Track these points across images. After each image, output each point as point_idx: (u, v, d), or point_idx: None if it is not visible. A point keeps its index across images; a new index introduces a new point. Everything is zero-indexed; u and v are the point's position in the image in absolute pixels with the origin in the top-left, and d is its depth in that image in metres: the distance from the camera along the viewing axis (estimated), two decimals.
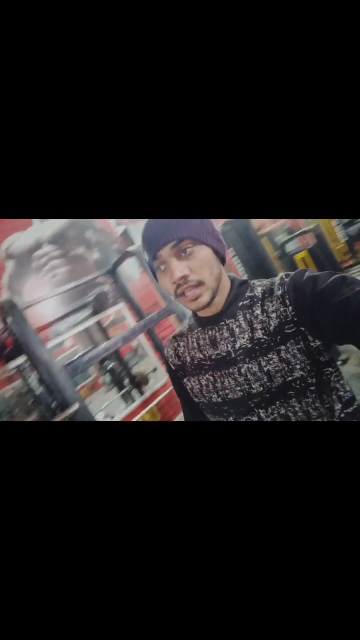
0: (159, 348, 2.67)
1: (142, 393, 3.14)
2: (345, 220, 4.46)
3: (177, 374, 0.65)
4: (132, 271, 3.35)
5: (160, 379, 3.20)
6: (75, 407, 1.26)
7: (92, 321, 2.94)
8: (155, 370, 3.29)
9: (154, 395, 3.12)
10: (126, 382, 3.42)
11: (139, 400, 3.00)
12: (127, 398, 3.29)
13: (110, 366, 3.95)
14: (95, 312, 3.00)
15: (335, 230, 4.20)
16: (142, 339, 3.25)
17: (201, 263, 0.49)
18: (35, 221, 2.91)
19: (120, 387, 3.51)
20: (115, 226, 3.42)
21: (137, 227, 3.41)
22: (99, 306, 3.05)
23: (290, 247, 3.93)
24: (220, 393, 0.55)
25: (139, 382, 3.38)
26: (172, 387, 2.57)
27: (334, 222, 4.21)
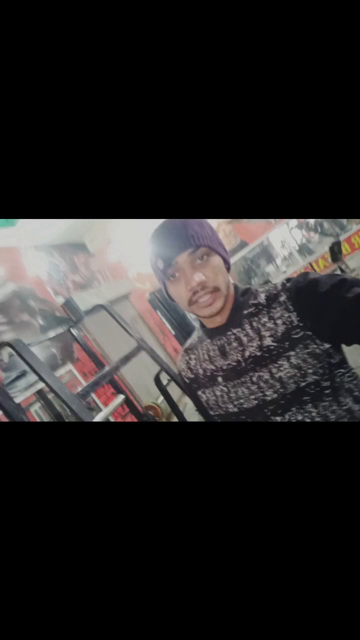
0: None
1: None
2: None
3: (192, 387, 0.65)
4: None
5: None
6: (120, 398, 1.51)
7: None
8: None
9: None
10: None
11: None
12: None
13: None
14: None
15: None
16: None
17: (216, 270, 0.50)
18: None
19: None
20: (54, 295, 3.72)
21: (80, 296, 3.80)
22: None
23: None
24: (235, 403, 0.55)
25: None
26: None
27: None
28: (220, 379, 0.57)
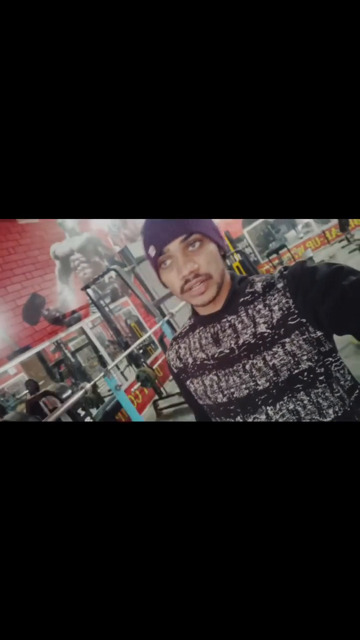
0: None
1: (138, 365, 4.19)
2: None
3: (180, 377, 0.64)
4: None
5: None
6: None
7: (112, 305, 4.16)
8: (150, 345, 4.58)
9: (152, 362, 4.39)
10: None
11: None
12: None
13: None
14: (112, 300, 4.24)
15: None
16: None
17: (208, 258, 0.49)
18: (67, 235, 4.06)
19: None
20: (113, 244, 4.81)
21: (133, 245, 4.88)
22: (114, 296, 4.30)
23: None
24: (226, 392, 0.54)
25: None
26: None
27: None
28: (210, 368, 0.56)
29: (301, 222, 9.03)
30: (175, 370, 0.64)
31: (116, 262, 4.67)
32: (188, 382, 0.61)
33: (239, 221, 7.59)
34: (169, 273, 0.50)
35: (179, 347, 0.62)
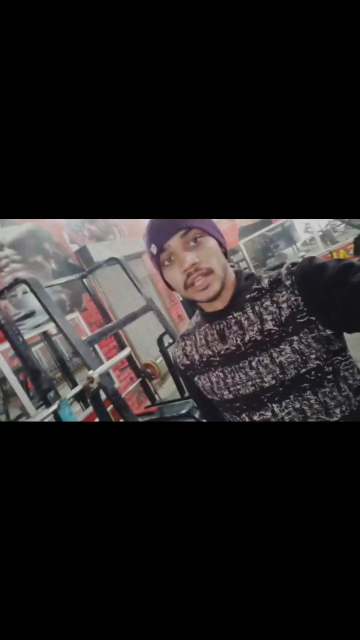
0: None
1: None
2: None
3: (187, 374, 0.65)
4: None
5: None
6: (127, 351, 1.58)
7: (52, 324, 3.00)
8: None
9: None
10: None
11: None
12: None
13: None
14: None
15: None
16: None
17: (209, 252, 0.49)
18: None
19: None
20: (69, 242, 3.69)
21: (94, 247, 3.77)
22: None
23: None
24: (232, 389, 0.54)
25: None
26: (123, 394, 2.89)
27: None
28: (216, 364, 0.56)
29: (300, 239, 8.23)
30: (182, 368, 0.65)
31: (69, 264, 3.55)
32: (196, 379, 0.62)
33: (235, 231, 6.64)
34: (171, 270, 0.51)
35: (185, 345, 0.64)
